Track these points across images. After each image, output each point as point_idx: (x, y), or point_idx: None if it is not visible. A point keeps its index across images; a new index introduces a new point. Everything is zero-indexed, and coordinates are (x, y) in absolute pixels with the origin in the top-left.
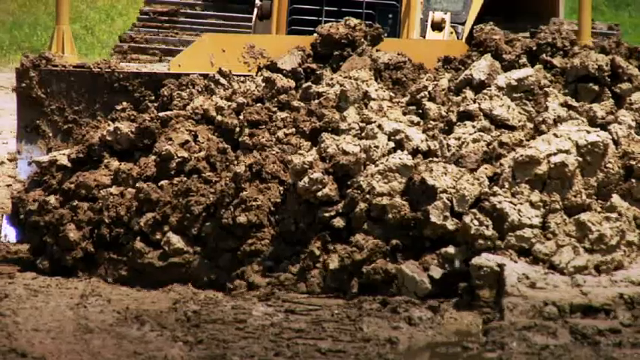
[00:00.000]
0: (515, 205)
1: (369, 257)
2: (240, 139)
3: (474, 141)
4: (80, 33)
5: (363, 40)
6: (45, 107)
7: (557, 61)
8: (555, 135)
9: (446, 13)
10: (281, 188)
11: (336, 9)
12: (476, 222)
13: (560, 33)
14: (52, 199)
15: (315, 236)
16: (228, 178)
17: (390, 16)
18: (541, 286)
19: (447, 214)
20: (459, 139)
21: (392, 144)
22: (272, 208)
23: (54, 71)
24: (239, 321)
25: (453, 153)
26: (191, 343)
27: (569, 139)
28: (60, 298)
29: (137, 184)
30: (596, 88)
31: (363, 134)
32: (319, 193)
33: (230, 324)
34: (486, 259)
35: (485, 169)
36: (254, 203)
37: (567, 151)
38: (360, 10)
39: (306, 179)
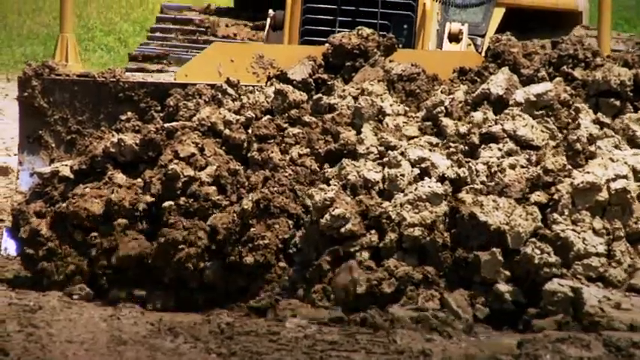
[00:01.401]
0: (579, 233)
1: (400, 286)
2: (249, 155)
3: (511, 167)
4: (114, 45)
5: (375, 50)
6: (48, 117)
7: (578, 73)
8: (611, 159)
9: (463, 24)
10: (290, 222)
11: (349, 19)
12: (538, 251)
13: (582, 44)
14: (44, 229)
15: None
16: (235, 213)
17: (405, 26)
18: (627, 307)
19: (501, 258)
20: (486, 163)
21: (417, 171)
22: (280, 246)
23: (57, 80)
24: (272, 333)
25: (496, 182)
26: (224, 355)
27: (626, 163)
28: (93, 309)
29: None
30: (618, 103)
31: (384, 160)
32: (342, 230)
33: (263, 336)
34: (559, 285)
35: (538, 195)
36: (261, 242)
37: (626, 177)
38: (375, 21)
39: (328, 216)
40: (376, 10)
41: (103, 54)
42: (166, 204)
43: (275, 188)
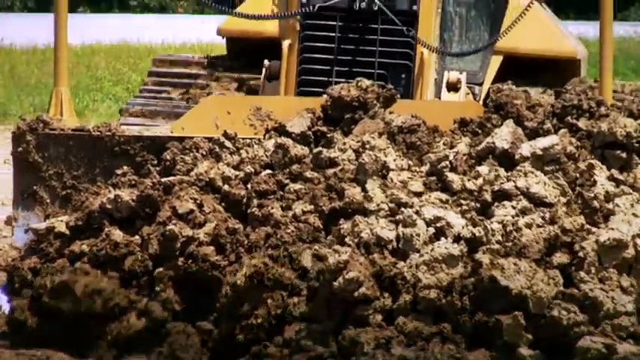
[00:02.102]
0: (607, 291)
1: (410, 341)
2: (248, 211)
3: (528, 226)
4: (122, 95)
5: (375, 102)
6: (42, 172)
7: (582, 123)
8: (635, 215)
9: (462, 73)
10: (285, 294)
11: (346, 69)
12: (565, 312)
13: (587, 94)
14: (26, 315)
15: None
16: (229, 288)
17: (403, 76)
18: None
19: (524, 322)
20: (501, 222)
21: (432, 230)
22: (273, 322)
23: (52, 135)
24: None
25: (514, 243)
26: None
27: None
28: None
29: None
30: (624, 155)
31: (397, 217)
32: (356, 294)
33: None
34: (592, 342)
35: (559, 257)
36: (254, 322)
37: None
38: (372, 70)
39: (341, 280)
40: (373, 59)
41: (111, 104)
42: (160, 272)
43: (270, 251)
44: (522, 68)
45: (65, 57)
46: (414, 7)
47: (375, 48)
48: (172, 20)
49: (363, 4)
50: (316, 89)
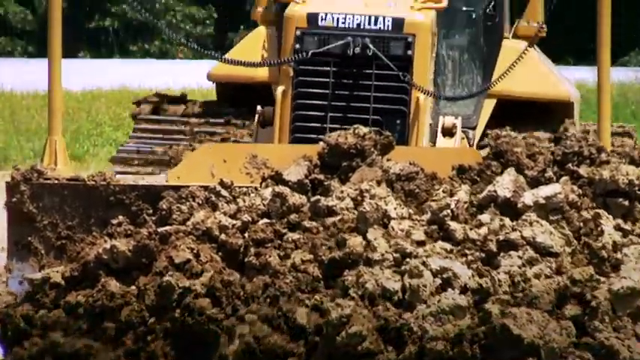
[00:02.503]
0: (623, 340)
1: None
2: (245, 260)
3: (536, 277)
4: (123, 140)
5: (372, 149)
6: (37, 223)
7: (583, 170)
8: None
9: (457, 118)
10: None
11: (341, 115)
12: None
13: (587, 140)
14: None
15: None
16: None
17: (398, 121)
18: None
19: None
20: (508, 272)
21: (439, 281)
22: None
23: (46, 185)
24: None
25: (525, 293)
26: None
27: None
28: None
29: None
30: (627, 203)
31: (402, 268)
32: (359, 348)
33: None
34: None
35: (570, 309)
36: None
37: None
38: (367, 116)
39: (344, 334)
40: (368, 105)
41: (111, 149)
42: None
43: (264, 310)
44: (515, 111)
45: (60, 107)
46: (409, 52)
47: (369, 93)
48: (173, 65)
49: (357, 50)
50: (311, 135)
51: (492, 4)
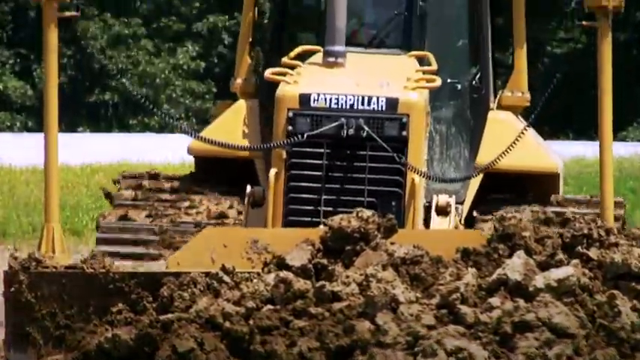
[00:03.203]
0: None
1: None
2: (251, 347)
3: (557, 357)
4: None
5: (376, 232)
6: (35, 312)
7: (593, 253)
8: None
9: (451, 196)
10: None
11: (335, 197)
12: None
13: (596, 222)
14: None
15: None
16: None
17: (394, 203)
18: None
19: None
20: (525, 354)
21: None
22: None
23: (44, 273)
24: None
25: None
26: None
27: None
28: None
29: None
30: (639, 286)
31: (416, 349)
32: None
33: None
34: None
35: None
36: None
37: None
38: (362, 199)
39: None
40: (362, 187)
41: None
42: None
43: None
44: (502, 183)
45: (56, 192)
46: (404, 133)
47: (364, 175)
48: (172, 139)
49: (351, 131)
50: (304, 219)
51: (478, 75)
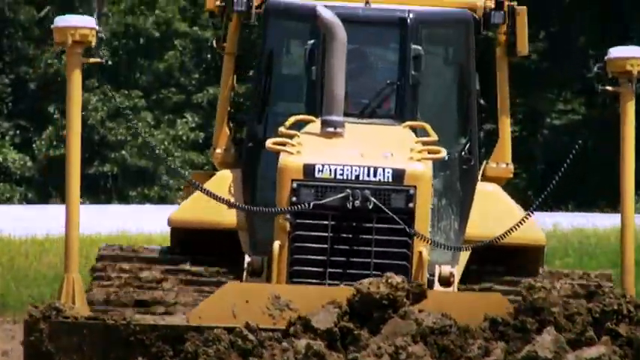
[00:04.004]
0: None
1: None
2: None
3: None
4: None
5: (405, 300)
6: None
7: (623, 329)
8: None
9: (453, 267)
10: None
11: (340, 271)
12: None
13: (625, 297)
14: None
15: None
16: None
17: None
18: None
19: None
20: None
21: None
22: None
23: (65, 323)
24: None
25: None
26: None
27: None
28: None
29: None
30: None
31: None
32: None
33: None
34: None
35: None
36: None
37: None
38: (367, 272)
39: None
40: (369, 260)
41: None
42: None
43: None
44: (490, 254)
45: (76, 243)
46: (411, 205)
47: (370, 248)
48: (170, 210)
49: (357, 203)
50: (310, 280)
51: (468, 146)
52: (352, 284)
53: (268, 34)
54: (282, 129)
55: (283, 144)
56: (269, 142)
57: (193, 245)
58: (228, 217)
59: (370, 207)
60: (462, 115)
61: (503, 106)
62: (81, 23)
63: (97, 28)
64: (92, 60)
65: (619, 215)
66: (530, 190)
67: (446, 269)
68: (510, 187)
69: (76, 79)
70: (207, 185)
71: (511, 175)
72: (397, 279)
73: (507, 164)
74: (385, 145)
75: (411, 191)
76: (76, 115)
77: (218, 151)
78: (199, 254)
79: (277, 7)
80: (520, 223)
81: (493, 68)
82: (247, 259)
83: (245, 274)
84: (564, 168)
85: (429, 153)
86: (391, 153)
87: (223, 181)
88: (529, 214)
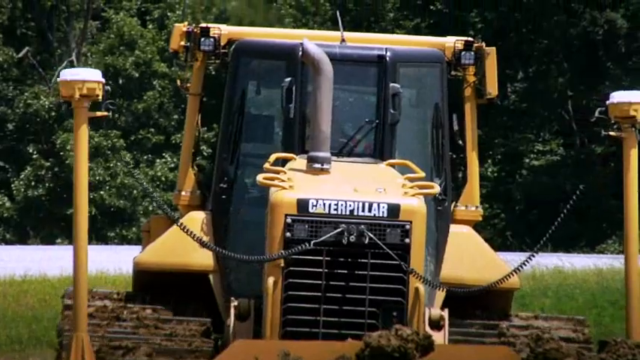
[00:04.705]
0: None
1: None
2: None
3: None
4: None
5: (415, 352)
6: None
7: None
8: None
9: (444, 310)
10: None
11: (336, 307)
12: None
13: (638, 347)
14: None
15: None
16: None
17: (395, 314)
18: None
19: None
20: None
21: None
22: None
23: None
24: None
25: None
26: None
27: None
28: None
29: None
30: None
31: None
32: None
33: None
34: None
35: None
36: None
37: None
38: (362, 308)
39: None
40: (364, 296)
41: None
42: None
43: None
44: (463, 298)
45: (85, 302)
46: (407, 240)
47: (365, 284)
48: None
49: (353, 238)
50: (303, 329)
51: (443, 186)
52: (360, 334)
53: (239, 73)
54: (266, 165)
55: (272, 179)
56: (260, 177)
57: (158, 288)
58: (197, 260)
59: (366, 242)
60: (437, 155)
61: (471, 148)
62: (88, 77)
63: (103, 81)
64: (99, 113)
65: (597, 256)
66: (509, 231)
67: (436, 312)
68: (490, 228)
69: (82, 134)
70: (176, 228)
71: (480, 218)
72: (407, 331)
73: (476, 207)
74: (376, 181)
75: (407, 226)
76: (84, 172)
77: (183, 194)
78: (164, 297)
79: (248, 46)
80: (522, 265)
81: (462, 110)
82: (234, 302)
83: (232, 318)
84: (567, 210)
85: (419, 189)
86: (384, 188)
87: (193, 222)
88: (532, 257)
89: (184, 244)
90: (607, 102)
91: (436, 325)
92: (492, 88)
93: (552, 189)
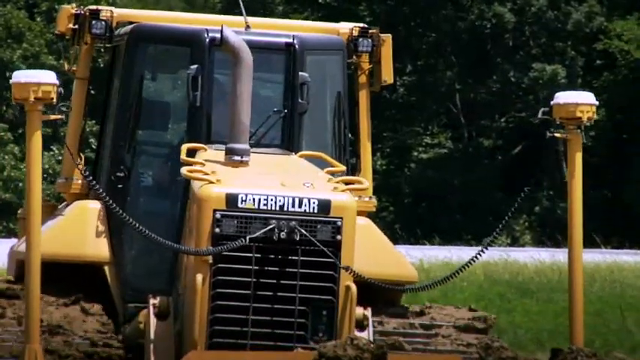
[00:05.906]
0: None
1: None
2: None
3: None
4: None
5: None
6: None
7: None
8: None
9: (366, 308)
10: None
11: (266, 305)
12: None
13: (582, 352)
14: None
15: None
16: None
17: (325, 312)
18: None
19: None
20: None
21: None
22: None
23: None
24: None
25: None
26: None
27: None
28: None
29: None
30: None
31: None
32: None
33: None
34: None
35: None
36: None
37: None
38: (292, 307)
39: None
40: (294, 294)
41: None
42: None
43: None
44: (361, 289)
45: (37, 314)
46: (338, 237)
47: (295, 282)
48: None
49: (283, 234)
50: (231, 328)
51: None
52: (290, 335)
53: (137, 59)
54: (183, 157)
55: (198, 172)
56: (184, 170)
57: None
58: (91, 251)
59: (297, 239)
60: (339, 146)
61: (364, 139)
62: (43, 79)
63: (58, 83)
64: (53, 117)
65: (487, 248)
66: (398, 224)
67: (359, 311)
68: (379, 220)
69: (36, 138)
70: (68, 217)
71: (374, 209)
72: (362, 340)
73: (370, 197)
74: (299, 175)
75: (338, 223)
76: (37, 176)
77: (75, 180)
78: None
79: (148, 31)
80: (470, 262)
81: (355, 99)
82: (152, 300)
83: (151, 316)
84: (517, 204)
85: (345, 184)
86: (311, 183)
87: (84, 213)
88: (483, 251)
89: (82, 234)
90: (551, 102)
91: (360, 324)
92: (388, 76)
93: (440, 182)
